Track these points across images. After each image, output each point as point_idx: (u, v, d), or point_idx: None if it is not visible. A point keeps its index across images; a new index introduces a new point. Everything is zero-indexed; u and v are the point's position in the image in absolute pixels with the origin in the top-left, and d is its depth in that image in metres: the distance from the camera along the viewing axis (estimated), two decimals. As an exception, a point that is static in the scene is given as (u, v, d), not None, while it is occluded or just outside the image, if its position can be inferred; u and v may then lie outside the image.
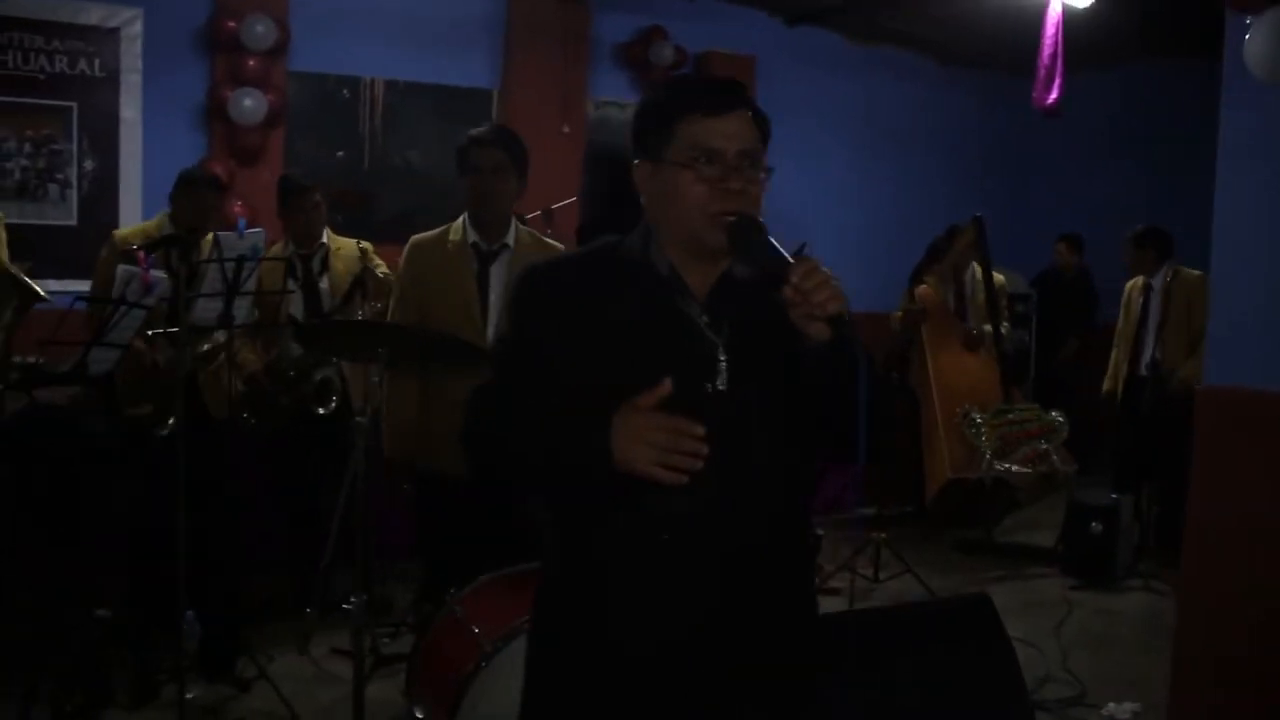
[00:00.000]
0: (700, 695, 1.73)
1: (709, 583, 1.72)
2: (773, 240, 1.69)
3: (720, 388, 1.73)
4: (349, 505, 3.00)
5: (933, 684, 3.33)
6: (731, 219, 1.71)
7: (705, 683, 1.73)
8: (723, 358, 1.74)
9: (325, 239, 4.73)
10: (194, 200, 4.23)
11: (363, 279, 4.28)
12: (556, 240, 6.60)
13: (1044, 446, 6.17)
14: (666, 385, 1.63)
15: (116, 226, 6.18)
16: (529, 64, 7.28)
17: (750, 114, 1.78)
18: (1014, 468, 6.06)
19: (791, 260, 1.66)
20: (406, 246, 3.63)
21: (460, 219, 3.56)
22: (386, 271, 4.46)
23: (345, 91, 6.78)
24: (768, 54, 8.09)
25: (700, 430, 1.61)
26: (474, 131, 3.58)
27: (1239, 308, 3.92)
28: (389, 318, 3.73)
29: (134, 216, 6.20)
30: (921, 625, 3.48)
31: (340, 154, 6.81)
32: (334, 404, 4.47)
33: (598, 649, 1.75)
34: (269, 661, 4.14)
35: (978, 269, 6.62)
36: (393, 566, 5.03)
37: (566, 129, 7.50)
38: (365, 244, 4.79)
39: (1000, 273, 6.77)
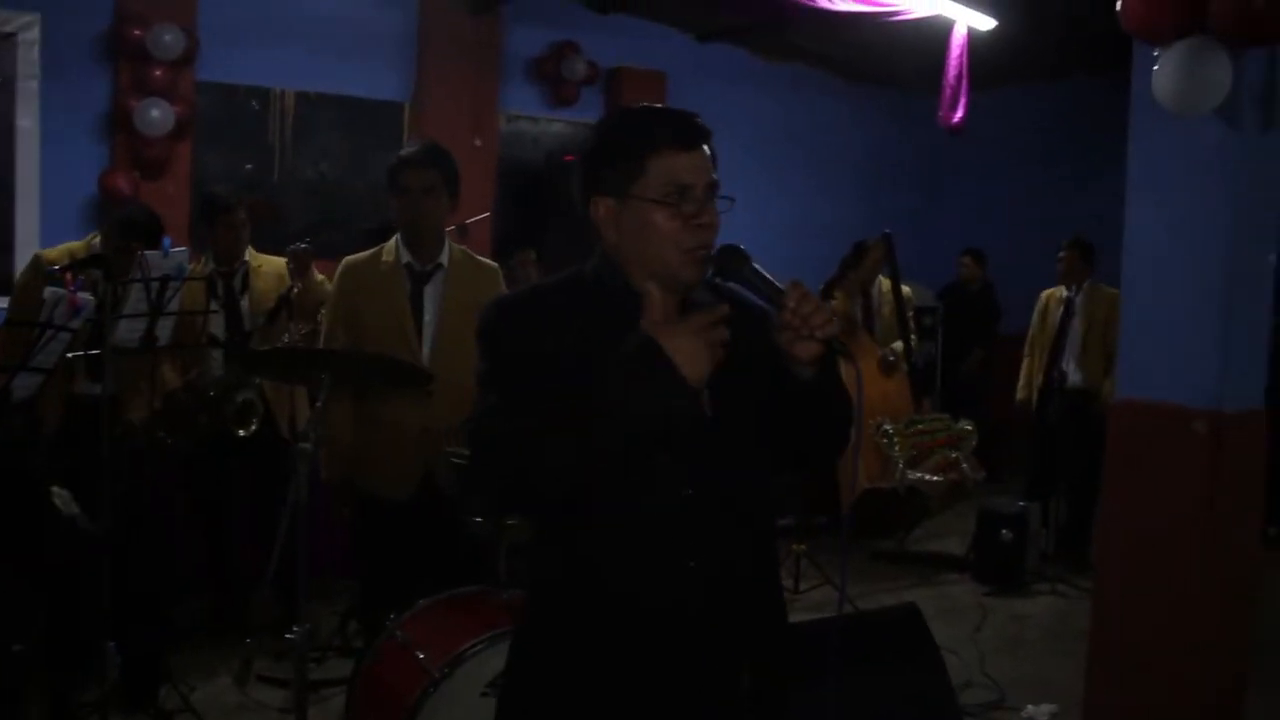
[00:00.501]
0: (689, 694, 1.76)
1: (694, 588, 1.75)
2: (759, 267, 1.74)
3: (707, 412, 1.77)
4: (291, 532, 2.93)
5: (869, 695, 3.40)
6: (709, 251, 1.76)
7: (694, 682, 1.76)
8: (706, 399, 1.77)
9: (247, 256, 4.62)
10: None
11: (289, 298, 4.18)
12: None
13: (954, 455, 6.36)
14: (654, 292, 1.71)
15: (12, 239, 5.97)
16: (441, 77, 7.24)
17: (706, 146, 1.81)
18: (926, 476, 6.22)
19: (781, 287, 1.71)
20: (339, 268, 3.57)
21: (393, 239, 3.52)
22: (323, 277, 4.37)
23: (255, 103, 6.66)
24: (679, 70, 8.20)
25: (723, 309, 1.68)
26: (404, 152, 3.54)
27: (1149, 323, 4.08)
28: (321, 338, 3.67)
29: (31, 229, 6.00)
30: (855, 637, 3.54)
31: (249, 166, 6.68)
32: (254, 426, 4.37)
33: (591, 647, 1.76)
34: (191, 691, 4.03)
35: (885, 283, 6.79)
36: (316, 587, 4.93)
37: (479, 142, 7.48)
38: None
39: (907, 286, 6.95)
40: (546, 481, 1.70)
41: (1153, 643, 3.99)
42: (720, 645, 1.78)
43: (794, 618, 4.38)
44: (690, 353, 1.63)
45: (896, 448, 6.18)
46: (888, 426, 6.19)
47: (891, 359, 6.51)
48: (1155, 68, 3.74)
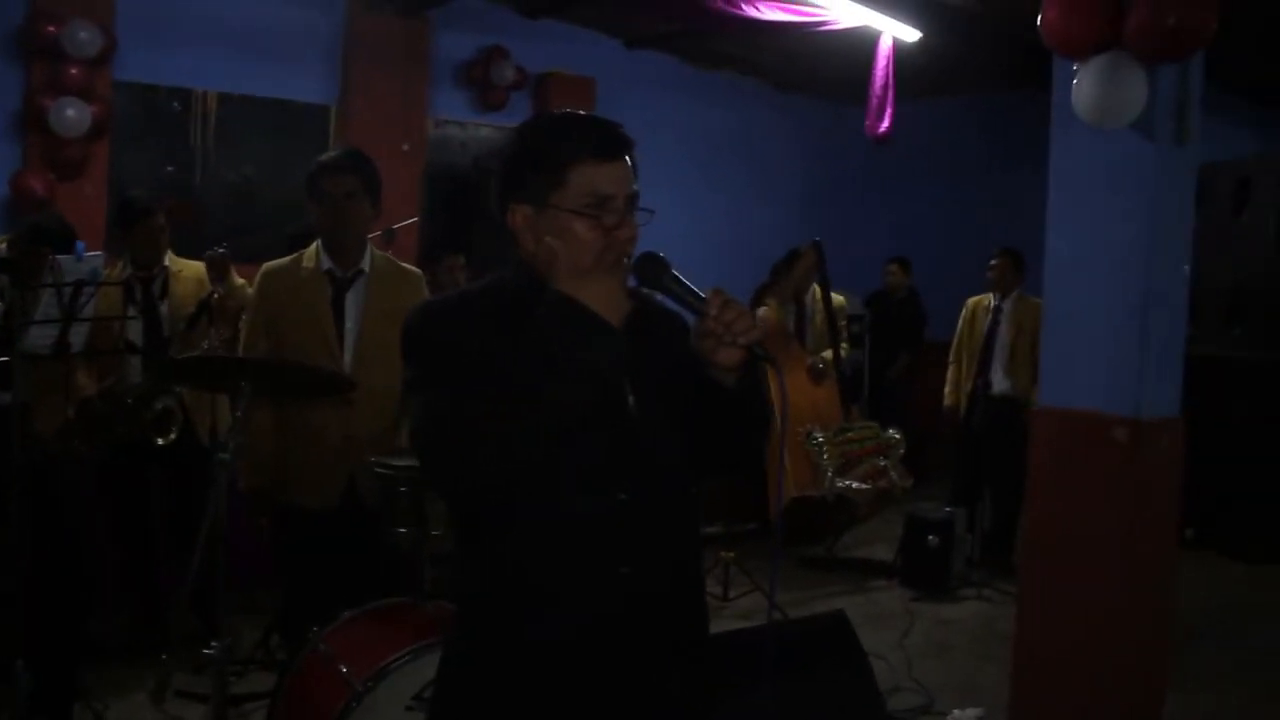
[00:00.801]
0: (619, 703, 1.75)
1: (625, 594, 1.74)
2: (679, 274, 1.73)
3: (630, 404, 1.76)
4: (210, 543, 2.85)
5: (798, 702, 3.41)
6: (628, 261, 1.74)
7: (623, 691, 1.75)
8: (628, 390, 1.76)
9: (166, 261, 4.50)
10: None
11: (209, 303, 4.08)
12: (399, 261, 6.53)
13: (883, 463, 6.43)
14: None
15: (-83, 242, 5.77)
16: (368, 81, 7.15)
17: (628, 157, 1.79)
18: (855, 484, 6.27)
19: (702, 294, 1.70)
20: (258, 274, 3.49)
21: (314, 245, 3.45)
22: (243, 282, 4.27)
23: (176, 104, 6.51)
24: (607, 76, 8.19)
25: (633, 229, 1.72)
26: (324, 157, 3.47)
27: (1069, 333, 4.16)
28: (241, 345, 3.59)
29: (-63, 232, 5.80)
30: (785, 644, 3.55)
31: (170, 168, 6.53)
32: (174, 434, 4.26)
33: (520, 656, 1.74)
34: (105, 709, 3.91)
35: (818, 291, 6.84)
36: (239, 599, 4.82)
37: (406, 147, 7.40)
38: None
39: (837, 294, 7.02)
40: (499, 464, 1.65)
41: (1075, 645, 4.06)
42: (649, 653, 1.76)
43: (723, 625, 4.42)
44: (604, 294, 1.66)
45: (825, 455, 6.23)
46: (817, 435, 6.23)
47: (820, 366, 6.56)
48: (1074, 81, 3.82)
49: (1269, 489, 7.01)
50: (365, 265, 3.44)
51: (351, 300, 3.41)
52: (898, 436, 6.54)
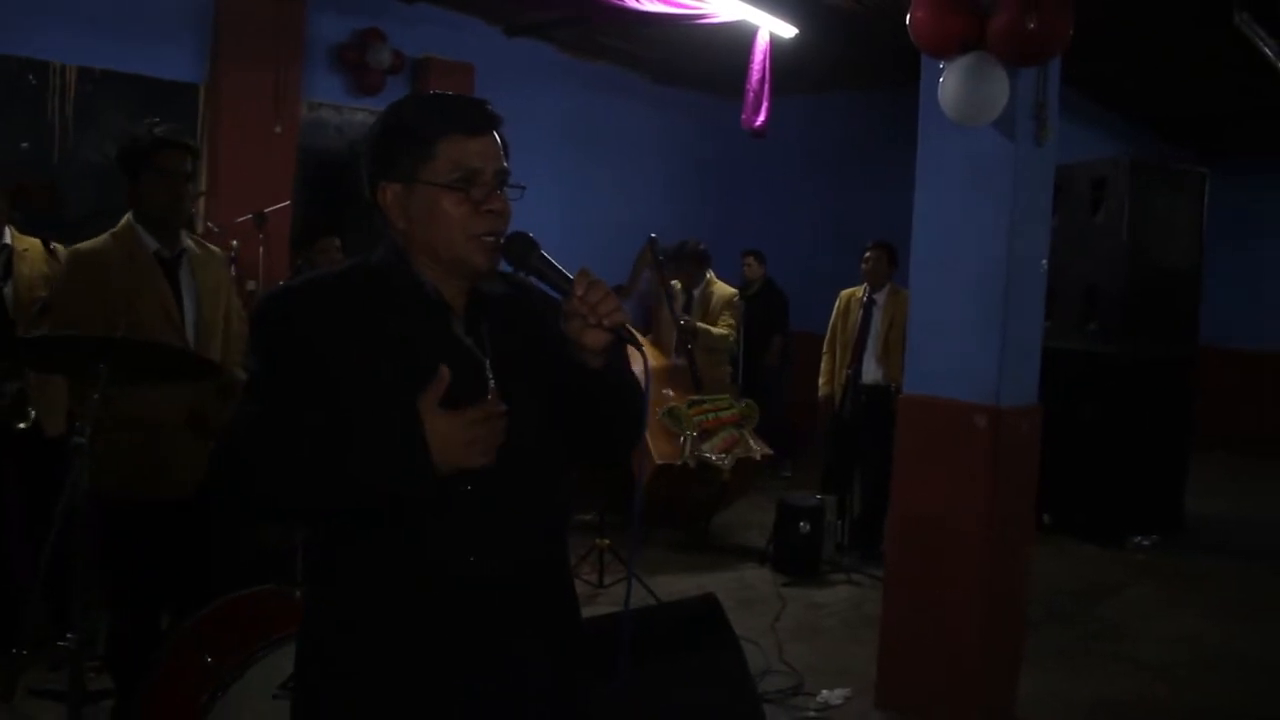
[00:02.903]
0: (480, 687, 1.73)
1: (486, 582, 1.72)
2: (546, 255, 1.74)
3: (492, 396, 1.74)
4: (63, 533, 2.74)
5: (669, 684, 3.45)
6: (500, 239, 1.75)
7: (484, 676, 1.73)
8: (490, 374, 1.76)
9: (8, 239, 4.27)
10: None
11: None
12: (268, 246, 6.37)
13: (738, 432, 6.68)
14: (445, 374, 1.64)
15: None
16: (239, 60, 6.93)
17: (497, 133, 1.79)
18: (714, 455, 6.49)
19: (570, 275, 1.71)
20: (70, 257, 3.31)
21: (122, 225, 3.31)
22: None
23: (32, 77, 6.21)
24: (486, 63, 8.12)
25: (501, 406, 1.67)
26: (160, 130, 3.36)
27: (933, 324, 4.30)
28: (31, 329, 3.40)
29: None
30: (655, 628, 3.59)
31: (25, 145, 6.22)
32: (31, 418, 4.07)
33: (374, 645, 1.72)
34: (-50, 708, 3.74)
35: (711, 280, 7.09)
36: (92, 595, 4.64)
37: (279, 129, 7.21)
38: (56, 245, 4.37)
39: (728, 285, 7.26)
40: (291, 504, 1.70)
41: (937, 625, 4.21)
42: (507, 640, 1.75)
43: (597, 611, 4.42)
44: (452, 443, 1.63)
45: (683, 424, 6.42)
46: (673, 407, 6.43)
47: (687, 324, 6.83)
48: (940, 80, 3.94)
49: (1119, 476, 7.35)
50: (184, 244, 3.38)
51: (184, 281, 3.35)
52: (751, 404, 6.80)
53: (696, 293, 7.16)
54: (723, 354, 7.21)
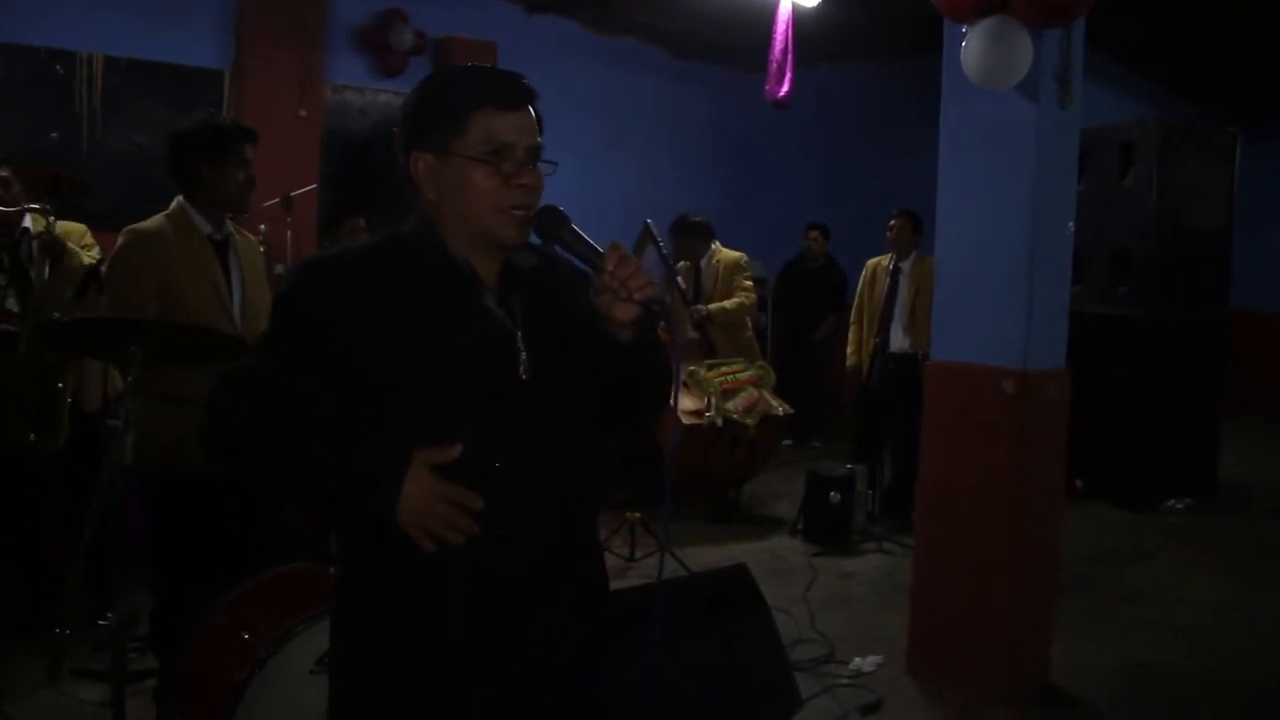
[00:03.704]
0: (510, 661, 1.76)
1: (515, 560, 1.74)
2: (578, 229, 1.74)
3: (524, 376, 1.76)
4: (102, 515, 2.79)
5: (701, 653, 3.48)
6: (530, 212, 1.75)
7: (513, 650, 1.76)
8: (522, 347, 1.77)
9: (28, 223, 4.30)
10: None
11: (98, 272, 3.93)
12: (295, 230, 6.41)
13: (758, 392, 6.71)
14: (456, 450, 1.66)
15: None
16: (263, 45, 6.98)
17: (532, 108, 1.79)
18: (738, 412, 6.54)
19: (600, 249, 1.71)
20: (128, 237, 3.35)
21: (175, 208, 3.38)
22: (94, 258, 4.15)
23: (59, 67, 6.27)
24: (508, 41, 8.11)
25: (480, 503, 1.67)
26: (237, 122, 3.45)
27: (960, 290, 4.29)
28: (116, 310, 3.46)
29: None
30: (689, 598, 3.62)
31: (54, 135, 6.30)
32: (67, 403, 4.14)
33: (407, 618, 1.74)
34: (1, 694, 3.81)
35: (717, 252, 7.09)
36: (135, 574, 4.71)
37: (304, 113, 7.26)
38: (78, 227, 4.41)
39: (735, 250, 7.23)
40: (269, 490, 1.73)
41: (967, 592, 4.22)
42: (538, 612, 1.77)
43: (629, 584, 4.44)
44: (414, 505, 1.65)
45: (704, 385, 6.50)
46: (692, 369, 6.47)
47: (704, 312, 6.85)
48: (962, 44, 3.91)
49: (1152, 441, 7.31)
50: (229, 230, 3.46)
51: (232, 264, 3.42)
52: (765, 366, 6.85)
53: (704, 264, 7.11)
54: (741, 322, 7.17)
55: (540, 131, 1.79)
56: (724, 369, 6.69)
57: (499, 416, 1.73)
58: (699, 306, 6.86)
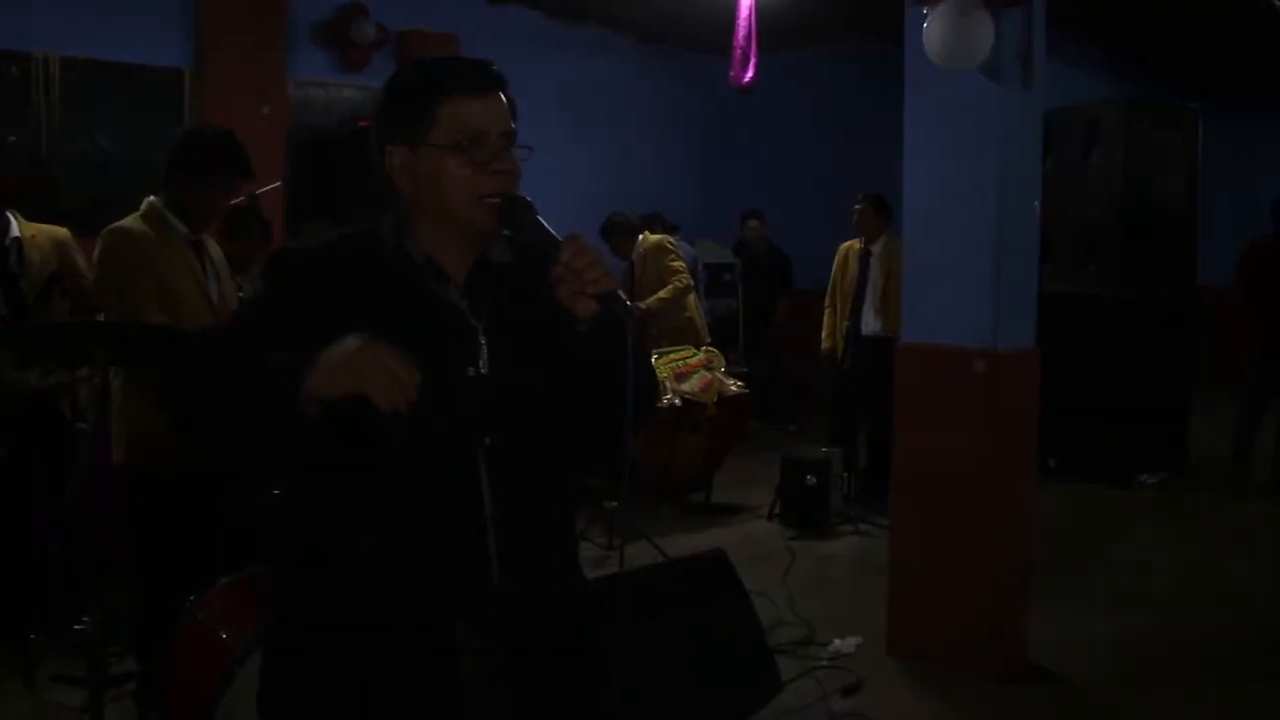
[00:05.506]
0: (479, 650, 1.74)
1: (477, 555, 1.72)
2: (541, 219, 1.72)
3: (482, 371, 1.74)
4: (74, 517, 2.76)
5: (681, 638, 3.50)
6: (499, 199, 1.73)
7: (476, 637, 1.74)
8: (483, 341, 1.75)
9: (15, 230, 4.23)
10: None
11: (59, 274, 3.89)
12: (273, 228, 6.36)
13: (710, 374, 6.72)
14: (414, 372, 1.60)
15: None
16: (223, 42, 6.92)
17: (503, 94, 1.78)
18: (693, 392, 6.56)
19: (560, 239, 1.68)
20: (112, 236, 3.33)
21: (148, 208, 3.36)
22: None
23: (14, 68, 6.19)
24: (470, 32, 8.07)
25: (418, 376, 1.59)
26: (243, 156, 3.45)
27: (928, 271, 4.31)
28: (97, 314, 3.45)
29: None
30: (668, 585, 3.63)
31: (12, 138, 6.21)
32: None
33: (361, 606, 1.71)
34: (-26, 696, 3.78)
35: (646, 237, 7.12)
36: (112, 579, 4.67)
37: (267, 110, 7.19)
38: (63, 231, 4.36)
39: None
40: (214, 418, 1.74)
41: (943, 569, 4.25)
42: (510, 605, 1.75)
43: (606, 573, 4.45)
44: (354, 355, 1.58)
45: (658, 371, 6.47)
46: None
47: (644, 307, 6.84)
48: (924, 25, 3.93)
49: (1124, 417, 7.37)
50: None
51: (208, 265, 3.43)
52: (713, 351, 6.89)
53: (635, 258, 7.13)
54: (679, 303, 7.13)
55: (514, 118, 1.78)
56: (672, 356, 6.71)
57: (451, 411, 1.70)
58: (637, 304, 6.83)
